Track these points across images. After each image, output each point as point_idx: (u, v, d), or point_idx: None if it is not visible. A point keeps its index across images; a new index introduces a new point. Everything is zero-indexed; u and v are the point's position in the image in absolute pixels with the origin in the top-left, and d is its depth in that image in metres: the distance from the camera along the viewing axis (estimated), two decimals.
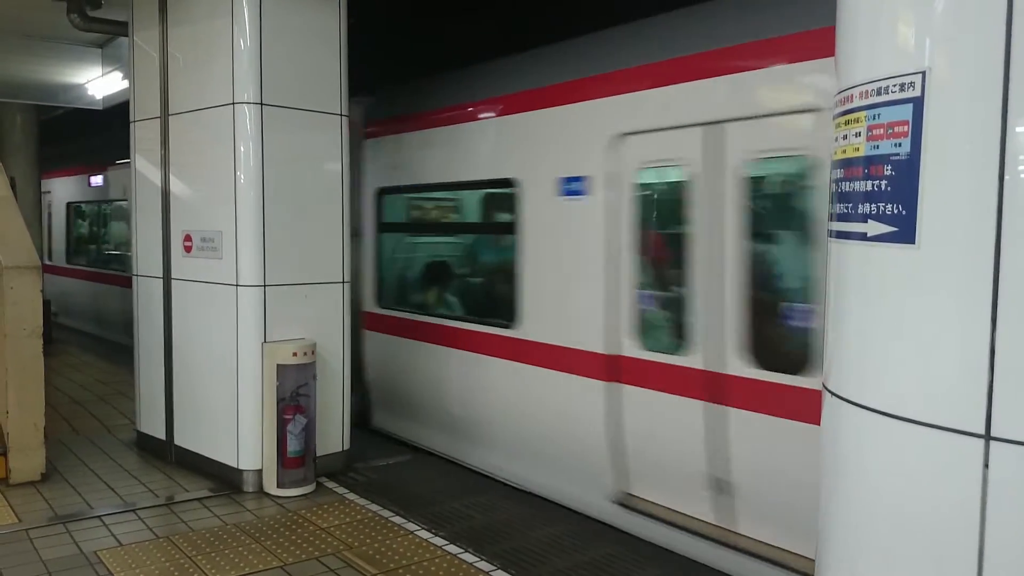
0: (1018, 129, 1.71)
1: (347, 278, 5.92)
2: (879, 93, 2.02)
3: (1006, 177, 1.71)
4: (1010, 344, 1.63)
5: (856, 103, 2.11)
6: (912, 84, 1.92)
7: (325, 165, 5.83)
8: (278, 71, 5.54)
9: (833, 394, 2.06)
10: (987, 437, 1.63)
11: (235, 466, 5.54)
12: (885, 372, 1.88)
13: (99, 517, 4.90)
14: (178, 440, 6.05)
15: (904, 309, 1.84)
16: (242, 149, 5.49)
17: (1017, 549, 1.61)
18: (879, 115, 2.01)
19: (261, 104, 5.49)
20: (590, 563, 4.39)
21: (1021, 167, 1.70)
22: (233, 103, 5.48)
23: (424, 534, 4.72)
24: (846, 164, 2.15)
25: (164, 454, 6.11)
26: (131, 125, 6.46)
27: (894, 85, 1.96)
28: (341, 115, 5.86)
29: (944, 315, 1.75)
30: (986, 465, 1.63)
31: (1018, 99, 1.70)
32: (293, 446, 5.39)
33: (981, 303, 1.67)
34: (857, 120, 2.10)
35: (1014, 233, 1.68)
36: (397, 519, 4.96)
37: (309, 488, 5.47)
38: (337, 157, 5.87)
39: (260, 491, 5.45)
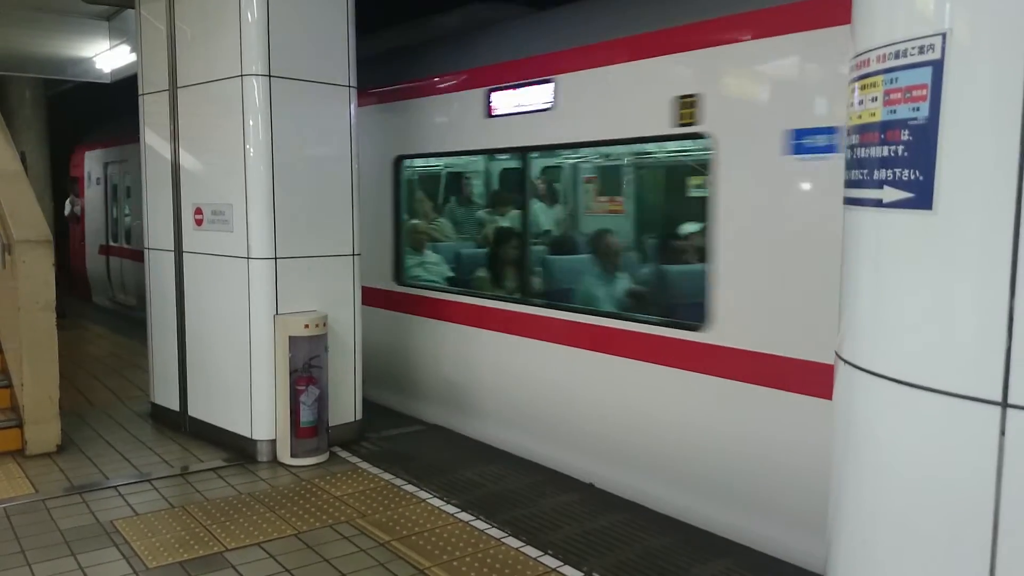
0: None
1: (358, 250, 5.92)
2: (897, 56, 1.98)
3: None
4: None
5: (873, 67, 2.07)
6: (932, 47, 1.88)
7: (334, 137, 5.80)
8: (286, 43, 5.50)
9: (847, 362, 2.04)
10: (1004, 404, 1.62)
11: (249, 436, 5.58)
12: (900, 340, 1.87)
13: (115, 487, 4.96)
14: (192, 411, 6.10)
15: (920, 276, 1.82)
16: (251, 122, 5.47)
17: None
18: (896, 79, 1.98)
19: (269, 76, 5.45)
20: (600, 530, 4.41)
21: None
22: (242, 75, 5.44)
23: (436, 502, 4.76)
24: (862, 130, 2.12)
25: (178, 425, 6.16)
26: (140, 98, 6.44)
27: (913, 48, 1.92)
28: (349, 86, 5.82)
29: (961, 282, 1.73)
30: (1003, 433, 1.61)
31: None
32: (306, 416, 5.43)
33: (1000, 269, 1.65)
34: (874, 85, 2.07)
35: None
36: (409, 487, 5.00)
37: (322, 457, 5.52)
38: (346, 129, 5.83)
39: (274, 461, 5.50)
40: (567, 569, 3.93)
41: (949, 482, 1.73)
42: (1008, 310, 1.63)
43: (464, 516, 4.56)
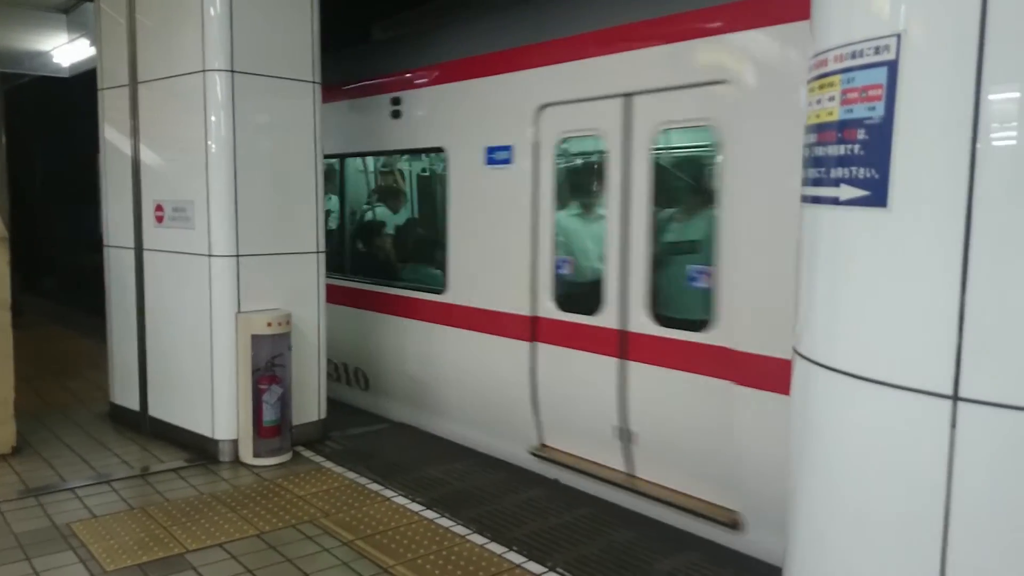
0: (991, 96, 1.71)
1: (322, 248, 5.87)
2: (854, 56, 2.01)
3: (978, 145, 1.71)
4: (979, 306, 1.65)
5: (831, 67, 2.11)
6: (887, 47, 1.92)
7: (298, 133, 5.75)
8: (249, 38, 5.44)
9: (804, 358, 2.07)
10: (955, 398, 1.65)
11: (211, 436, 5.51)
12: (855, 335, 1.90)
13: (72, 490, 4.87)
14: (153, 411, 6.00)
15: (875, 272, 1.85)
16: (213, 118, 5.40)
17: (982, 507, 1.64)
18: (853, 79, 2.01)
19: (232, 72, 5.39)
20: (564, 525, 4.43)
21: (994, 133, 1.70)
22: (204, 71, 5.37)
23: (401, 500, 4.74)
24: (819, 129, 2.15)
25: (138, 426, 6.06)
26: (99, 93, 6.33)
27: (869, 48, 1.96)
28: (313, 82, 5.77)
29: (914, 278, 1.76)
30: (953, 425, 1.65)
31: (993, 65, 1.70)
32: (269, 416, 5.37)
33: (951, 266, 1.69)
34: (831, 84, 2.10)
35: (986, 198, 1.69)
36: (374, 486, 4.97)
37: (285, 457, 5.46)
38: (310, 125, 5.78)
39: (236, 461, 5.44)
40: (531, 565, 3.94)
41: (903, 474, 1.76)
42: (959, 306, 1.66)
43: (429, 514, 4.55)
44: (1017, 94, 1.70)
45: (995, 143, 1.71)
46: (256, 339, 5.34)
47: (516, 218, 5.51)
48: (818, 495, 2.06)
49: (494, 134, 5.71)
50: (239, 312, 5.42)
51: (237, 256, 5.43)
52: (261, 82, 5.52)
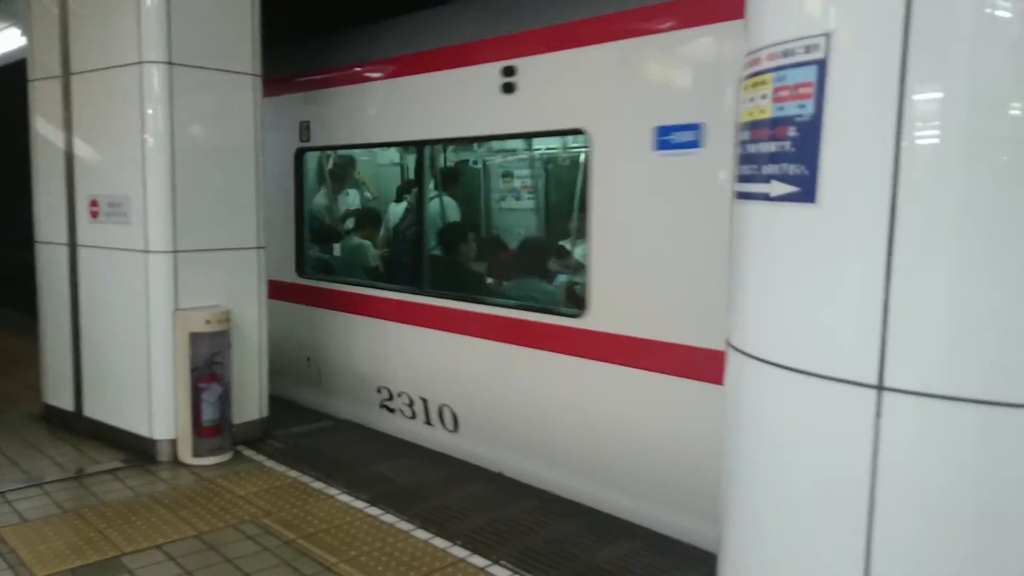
0: (915, 96, 1.76)
1: (262, 243, 5.78)
2: (785, 55, 2.06)
3: (903, 143, 1.76)
4: (902, 299, 1.71)
5: (763, 65, 2.15)
6: (817, 46, 1.97)
7: (238, 127, 5.64)
8: (187, 29, 5.32)
9: (736, 350, 2.12)
10: (880, 387, 1.71)
11: (148, 436, 5.39)
12: (785, 327, 1.95)
13: (2, 494, 4.71)
14: (88, 411, 5.84)
15: (803, 266, 1.90)
16: (150, 111, 5.27)
17: (906, 494, 1.70)
18: (785, 77, 2.06)
19: (170, 63, 5.27)
20: (508, 518, 4.45)
21: (917, 132, 1.76)
22: (140, 62, 5.24)
23: (345, 498, 4.70)
24: (753, 126, 2.19)
25: (73, 426, 5.90)
26: (28, 84, 6.12)
27: (800, 47, 2.01)
28: (253, 75, 5.67)
29: (841, 271, 1.81)
30: (878, 415, 1.70)
31: (916, 66, 1.76)
32: (208, 415, 5.28)
33: (876, 259, 1.74)
34: (764, 82, 2.14)
35: (909, 195, 1.75)
36: (317, 484, 4.92)
37: (226, 456, 5.37)
38: (251, 118, 5.69)
39: (175, 461, 5.32)
40: (475, 559, 3.95)
41: (831, 463, 1.81)
42: (883, 299, 1.72)
43: (373, 511, 4.52)
44: (940, 95, 1.76)
45: (918, 142, 1.76)
46: (195, 337, 5.24)
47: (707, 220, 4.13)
48: (751, 484, 2.11)
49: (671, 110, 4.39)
50: (177, 309, 5.31)
51: (175, 252, 5.32)
52: (200, 75, 5.41)
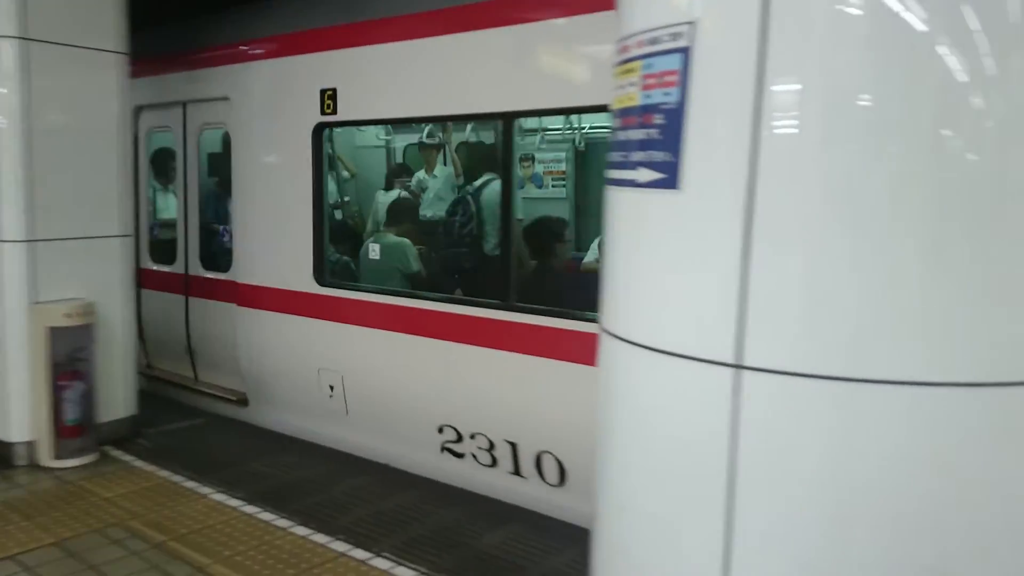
0: (773, 88, 1.81)
1: (128, 231, 5.48)
2: (653, 43, 2.09)
3: (762, 132, 1.81)
4: (759, 282, 1.76)
5: (632, 52, 2.18)
6: (682, 34, 2.00)
7: (101, 108, 5.33)
8: (45, 2, 4.97)
9: (608, 333, 2.15)
10: (738, 366, 1.76)
11: (3, 439, 5.03)
12: (652, 310, 1.98)
13: None
14: None
15: (668, 251, 1.94)
16: (3, 90, 4.91)
17: (763, 468, 1.77)
18: (652, 64, 2.09)
19: (26, 39, 4.91)
20: (392, 509, 4.40)
21: (775, 123, 1.81)
22: None
23: (219, 497, 4.53)
24: (623, 113, 2.22)
25: None
26: None
27: (666, 35, 2.03)
28: (118, 52, 5.36)
29: (702, 256, 1.86)
30: (736, 393, 1.76)
31: (775, 57, 1.81)
32: (70, 414, 4.97)
33: (735, 246, 1.79)
34: (633, 70, 2.17)
35: (768, 182, 1.80)
36: (190, 483, 4.72)
37: (90, 458, 5.08)
38: (115, 99, 5.38)
39: (34, 464, 5.00)
40: (357, 552, 3.88)
41: (695, 440, 1.86)
42: (742, 281, 1.77)
43: (249, 509, 4.37)
44: (798, 86, 1.82)
45: (776, 131, 1.82)
46: (54, 332, 4.92)
47: None
48: (624, 465, 2.14)
49: None
50: (35, 303, 4.97)
51: (31, 241, 4.98)
52: (59, 51, 5.07)
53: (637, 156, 2.10)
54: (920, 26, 1.70)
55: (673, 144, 1.98)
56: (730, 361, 1.76)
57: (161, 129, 7.15)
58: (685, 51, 1.98)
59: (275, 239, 5.98)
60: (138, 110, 6.77)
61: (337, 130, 6.11)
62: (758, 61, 1.83)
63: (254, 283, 6.09)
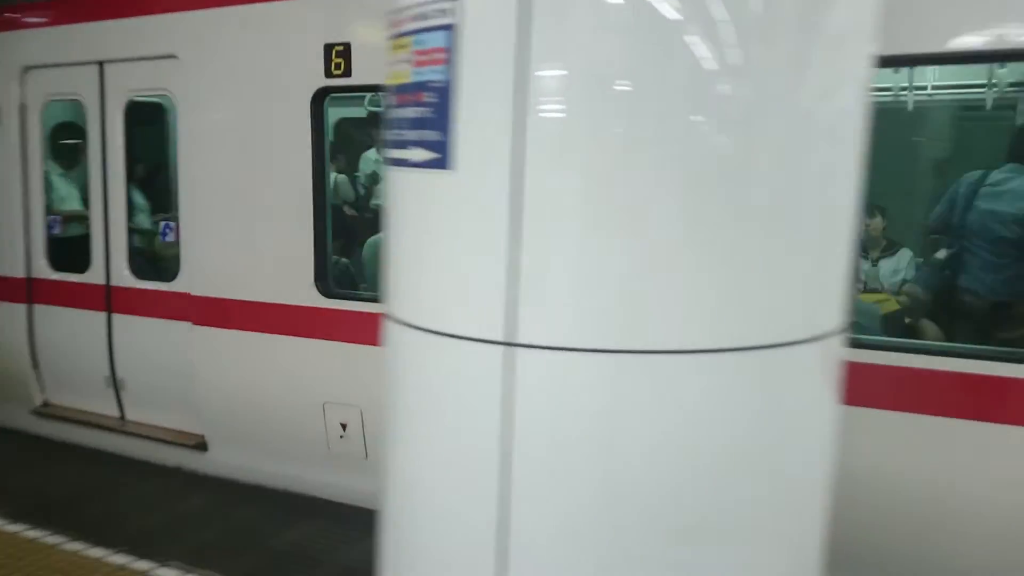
0: (538, 72, 1.83)
1: None
2: (423, 18, 2.05)
3: (528, 116, 1.82)
4: (529, 261, 1.79)
5: (404, 27, 2.13)
6: (450, 11, 1.97)
7: None
8: None
9: (391, 318, 2.11)
10: (510, 343, 1.79)
11: None
12: (429, 293, 1.97)
13: None
14: None
15: (443, 233, 1.93)
16: None
17: (536, 440, 1.82)
18: (422, 41, 2.05)
19: None
20: (183, 515, 4.17)
21: (541, 107, 1.83)
22: None
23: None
24: (398, 91, 2.17)
25: None
26: None
27: (434, 11, 2.00)
28: None
29: (476, 238, 1.86)
30: (509, 369, 1.79)
31: (539, 42, 1.82)
32: None
33: (505, 226, 1.81)
34: (404, 46, 2.12)
35: (535, 166, 1.82)
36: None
37: None
38: None
39: None
40: (141, 563, 3.61)
41: (472, 417, 1.88)
42: (512, 261, 1.79)
43: (13, 528, 3.95)
44: (562, 71, 1.84)
45: (542, 115, 1.84)
46: None
47: None
48: (409, 443, 2.13)
49: None
50: None
51: None
52: None
53: (411, 135, 2.06)
54: (672, 15, 1.77)
55: (443, 123, 1.95)
56: (502, 339, 1.78)
57: (63, 97, 5.78)
58: (451, 28, 1.96)
59: (253, 239, 4.93)
60: (25, 71, 5.53)
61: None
62: (521, 44, 1.84)
63: (220, 295, 4.92)
